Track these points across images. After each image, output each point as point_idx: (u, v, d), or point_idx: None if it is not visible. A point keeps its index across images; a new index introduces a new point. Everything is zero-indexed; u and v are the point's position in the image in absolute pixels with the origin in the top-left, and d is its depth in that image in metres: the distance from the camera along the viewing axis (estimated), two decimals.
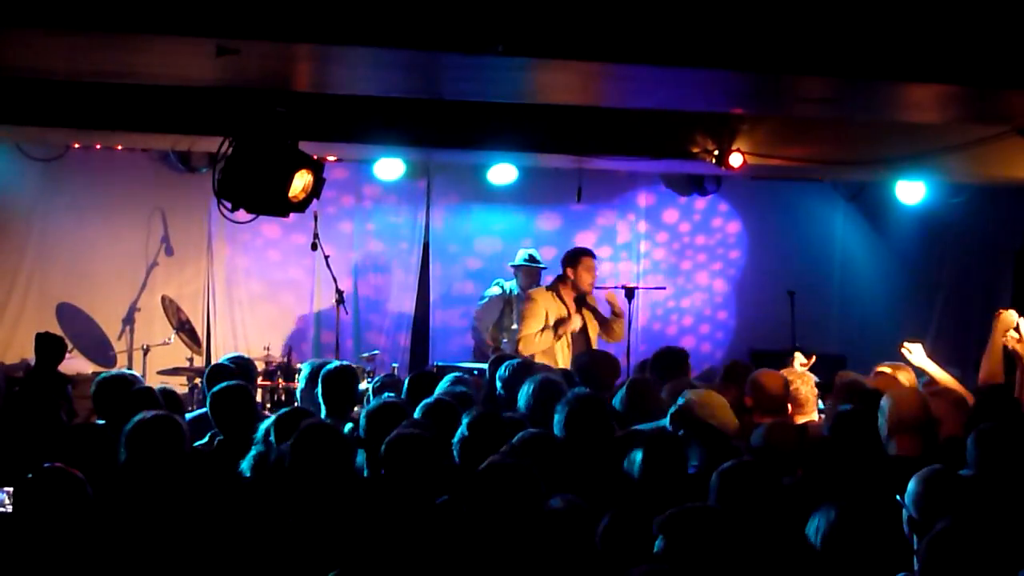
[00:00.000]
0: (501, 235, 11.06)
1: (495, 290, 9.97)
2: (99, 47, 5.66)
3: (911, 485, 3.96)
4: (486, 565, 4.00)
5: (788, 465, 4.80)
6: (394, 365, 9.47)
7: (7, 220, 10.12)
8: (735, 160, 9.09)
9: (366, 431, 5.30)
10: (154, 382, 8.56)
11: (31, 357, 9.43)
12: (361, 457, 5.22)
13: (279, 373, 8.77)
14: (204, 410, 6.31)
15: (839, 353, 10.73)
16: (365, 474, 5.18)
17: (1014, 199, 10.85)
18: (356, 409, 6.49)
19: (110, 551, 4.17)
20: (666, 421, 5.35)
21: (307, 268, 10.65)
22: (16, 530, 4.16)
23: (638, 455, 4.77)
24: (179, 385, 9.31)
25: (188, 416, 6.26)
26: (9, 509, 4.35)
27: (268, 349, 9.63)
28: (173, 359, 9.61)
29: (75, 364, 8.97)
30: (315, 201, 7.32)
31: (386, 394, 6.41)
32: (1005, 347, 6.56)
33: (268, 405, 8.47)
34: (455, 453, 5.03)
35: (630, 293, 9.43)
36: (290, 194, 7.01)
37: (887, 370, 6.53)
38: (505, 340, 9.43)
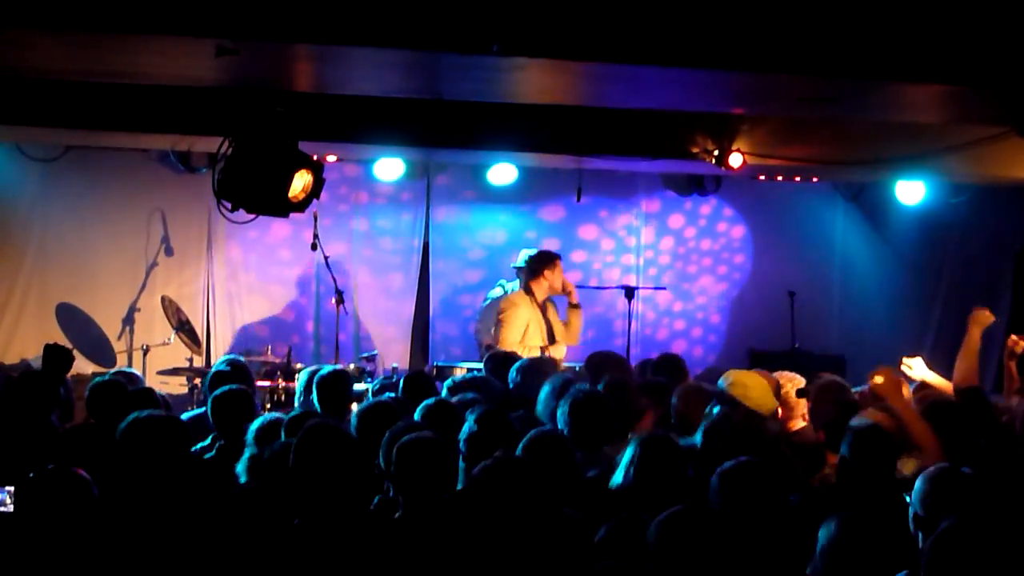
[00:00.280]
0: (501, 235, 11.06)
1: (497, 291, 9.96)
2: (99, 47, 5.67)
3: (918, 484, 3.97)
4: (491, 563, 3.99)
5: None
6: (394, 365, 9.46)
7: (7, 220, 10.11)
8: (735, 160, 9.09)
9: (357, 430, 5.29)
10: (154, 382, 8.59)
11: (31, 357, 9.48)
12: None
13: (279, 373, 8.76)
14: (202, 410, 6.31)
15: (839, 353, 10.74)
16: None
17: (1014, 199, 10.85)
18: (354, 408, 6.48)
19: (111, 552, 4.17)
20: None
21: (307, 268, 10.65)
22: (17, 530, 4.15)
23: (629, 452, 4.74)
24: (179, 385, 9.33)
25: (185, 416, 6.24)
26: (10, 509, 4.34)
27: (268, 349, 9.63)
28: (173, 359, 9.60)
29: (75, 364, 8.95)
30: (315, 201, 7.32)
31: (386, 395, 6.40)
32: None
33: (267, 405, 8.46)
34: (462, 450, 4.98)
35: (630, 293, 9.44)
36: (290, 194, 7.01)
37: (879, 380, 6.36)
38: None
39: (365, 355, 9.50)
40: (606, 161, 9.59)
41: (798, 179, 10.70)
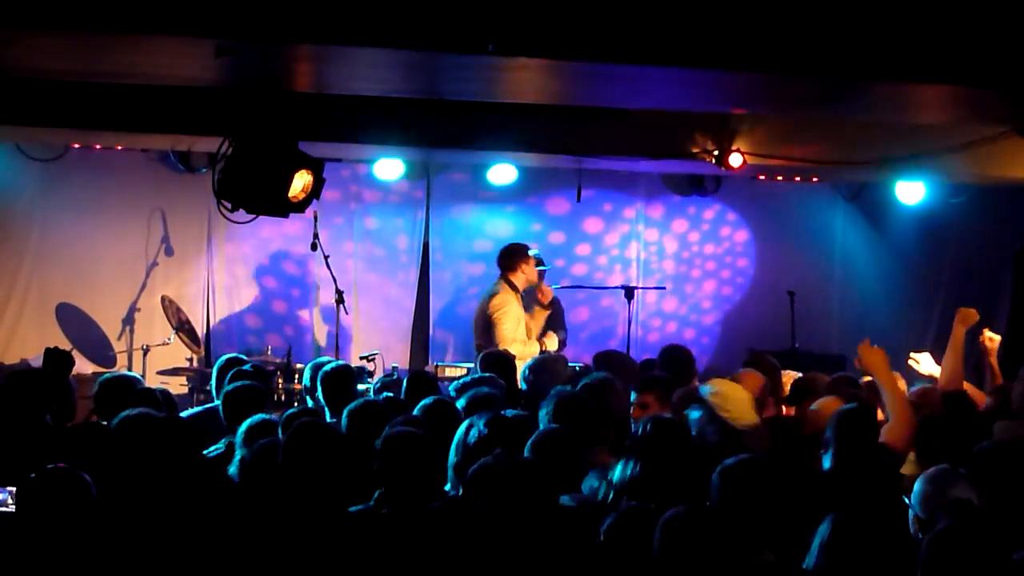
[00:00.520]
0: (501, 235, 11.04)
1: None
2: (99, 47, 5.66)
3: (917, 485, 3.97)
4: (493, 562, 3.99)
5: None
6: (394, 365, 9.46)
7: (7, 220, 10.11)
8: (735, 160, 9.09)
9: (348, 429, 5.29)
10: (154, 382, 8.60)
11: (31, 357, 9.47)
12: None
13: (279, 373, 8.77)
14: (201, 408, 6.31)
15: (839, 353, 10.73)
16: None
17: (1014, 199, 10.85)
18: None
19: (111, 552, 4.17)
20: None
21: (307, 268, 10.65)
22: (18, 530, 4.16)
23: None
24: (179, 385, 9.33)
25: (185, 414, 6.24)
26: (12, 508, 4.34)
27: (268, 349, 9.63)
28: (173, 359, 9.61)
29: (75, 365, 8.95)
30: (315, 201, 7.32)
31: (384, 394, 6.40)
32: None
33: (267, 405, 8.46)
34: (468, 450, 4.97)
35: (629, 293, 9.45)
36: (290, 194, 7.02)
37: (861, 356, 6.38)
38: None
39: (365, 355, 9.51)
40: (606, 161, 9.58)
41: (798, 179, 10.71)
